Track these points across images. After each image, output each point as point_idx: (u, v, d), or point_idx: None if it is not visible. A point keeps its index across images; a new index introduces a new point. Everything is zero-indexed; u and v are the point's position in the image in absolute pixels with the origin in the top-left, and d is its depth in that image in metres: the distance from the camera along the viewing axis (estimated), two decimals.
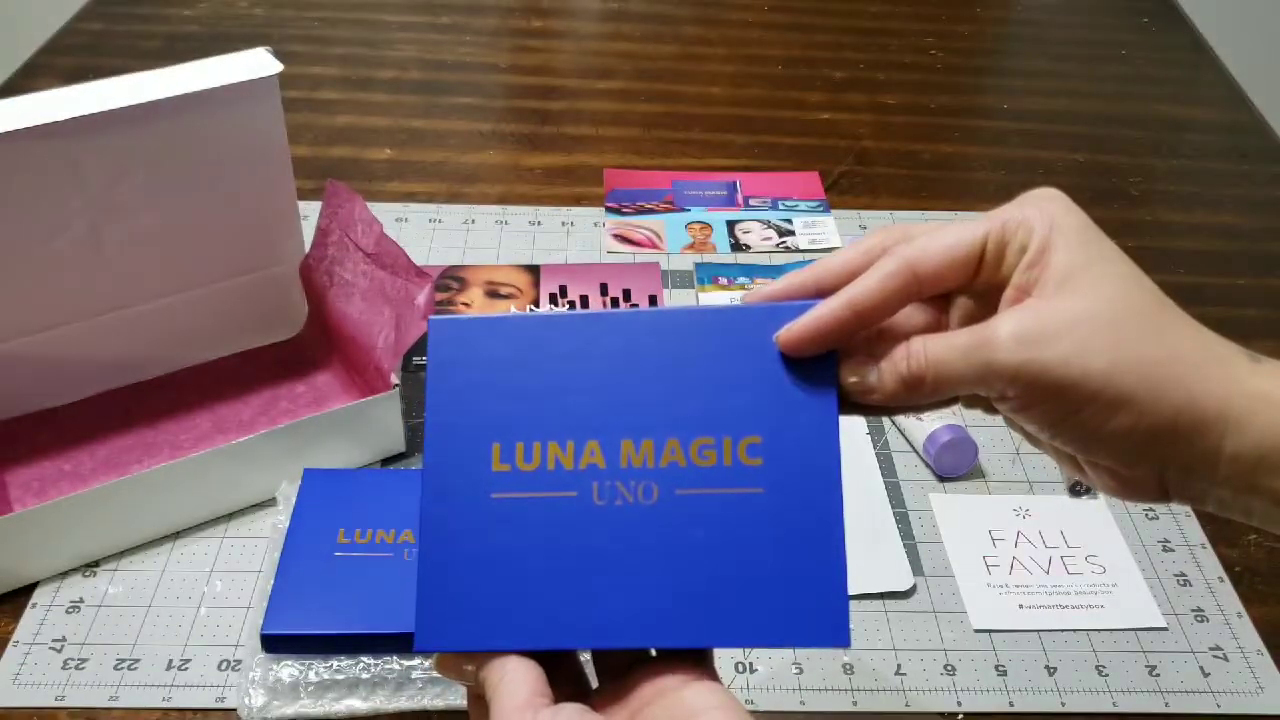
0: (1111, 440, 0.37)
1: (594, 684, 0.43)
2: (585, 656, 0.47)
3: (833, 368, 0.40)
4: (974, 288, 0.40)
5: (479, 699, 0.40)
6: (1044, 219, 0.38)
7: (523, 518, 0.40)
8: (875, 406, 0.41)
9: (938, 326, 0.41)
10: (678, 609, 0.39)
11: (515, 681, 0.38)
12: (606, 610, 0.39)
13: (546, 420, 0.41)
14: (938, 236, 0.39)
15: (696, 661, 0.40)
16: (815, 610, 0.39)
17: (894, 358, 0.39)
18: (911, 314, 0.41)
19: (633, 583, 0.39)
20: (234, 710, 0.58)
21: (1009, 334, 0.37)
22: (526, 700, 0.38)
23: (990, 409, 0.41)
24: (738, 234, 0.95)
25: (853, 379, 0.40)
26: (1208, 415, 0.36)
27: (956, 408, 0.72)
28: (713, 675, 0.40)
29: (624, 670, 0.41)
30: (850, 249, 0.41)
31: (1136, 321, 0.37)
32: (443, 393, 0.41)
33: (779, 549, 0.39)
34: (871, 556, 0.66)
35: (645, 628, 0.39)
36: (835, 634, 0.39)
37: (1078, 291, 0.37)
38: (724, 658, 0.61)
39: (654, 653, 0.41)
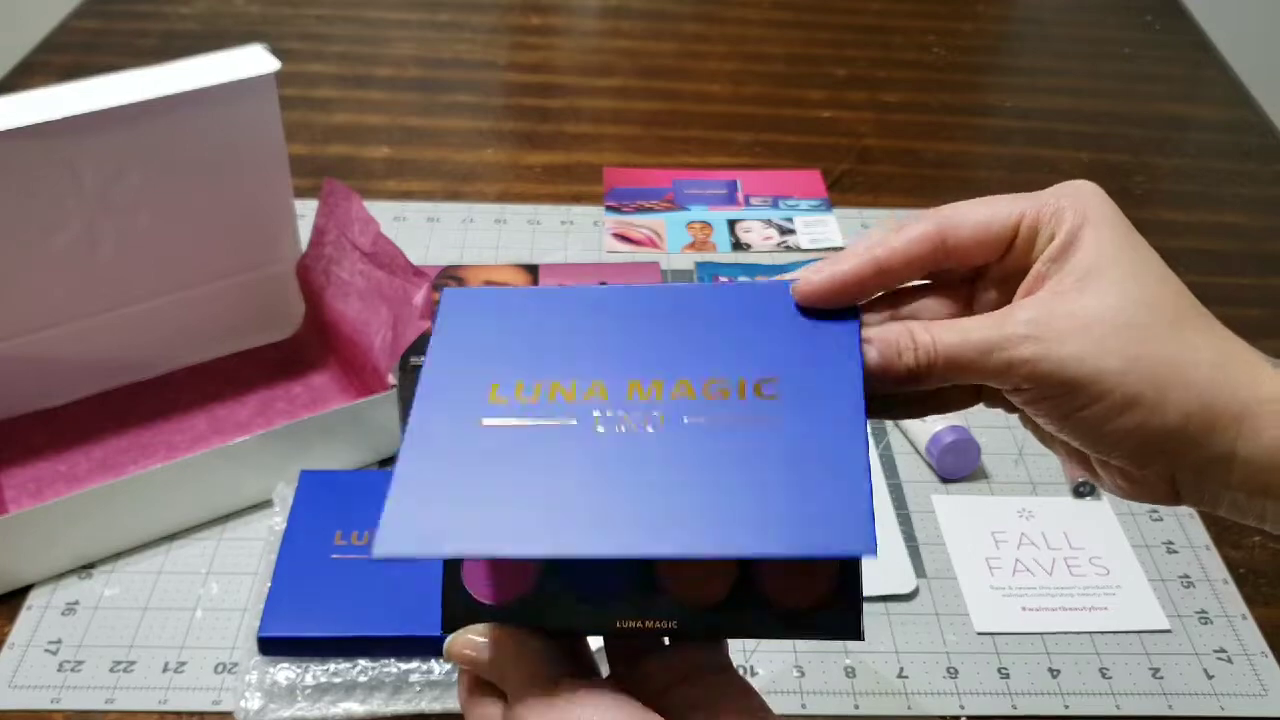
0: (1121, 437, 0.37)
1: (604, 673, 0.42)
2: (596, 645, 0.47)
3: (856, 330, 0.39)
4: (1000, 269, 0.40)
5: (482, 685, 0.39)
6: (1077, 212, 0.38)
7: (516, 441, 0.37)
8: (891, 405, 0.41)
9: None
10: (685, 521, 0.35)
11: (535, 657, 0.38)
12: (605, 523, 0.35)
13: (551, 364, 0.39)
14: (973, 210, 0.39)
15: (711, 650, 0.40)
16: (837, 516, 0.35)
17: (898, 338, 0.38)
18: (936, 308, 0.41)
19: (636, 497, 0.35)
20: (230, 713, 0.57)
21: (1024, 324, 0.37)
22: (549, 674, 0.37)
23: (1005, 405, 0.41)
24: (738, 233, 0.94)
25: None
26: (1222, 418, 0.36)
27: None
28: (729, 663, 0.40)
29: (635, 659, 0.40)
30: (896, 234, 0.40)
31: (1154, 322, 0.36)
32: (444, 346, 0.39)
33: (796, 459, 0.36)
34: (873, 559, 0.65)
35: (648, 537, 0.35)
36: (859, 539, 0.35)
37: (1098, 288, 0.36)
38: None
39: (666, 641, 0.40)
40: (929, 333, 0.38)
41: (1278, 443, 0.35)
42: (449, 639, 0.40)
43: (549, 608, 0.40)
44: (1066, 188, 0.39)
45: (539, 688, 0.37)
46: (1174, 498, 0.39)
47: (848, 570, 0.40)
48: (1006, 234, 0.39)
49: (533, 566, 0.41)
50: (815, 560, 0.39)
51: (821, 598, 0.40)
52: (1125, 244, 0.37)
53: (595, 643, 0.43)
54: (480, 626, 0.39)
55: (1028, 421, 0.41)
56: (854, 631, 0.39)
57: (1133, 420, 0.36)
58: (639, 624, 0.40)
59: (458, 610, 0.41)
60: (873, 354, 0.39)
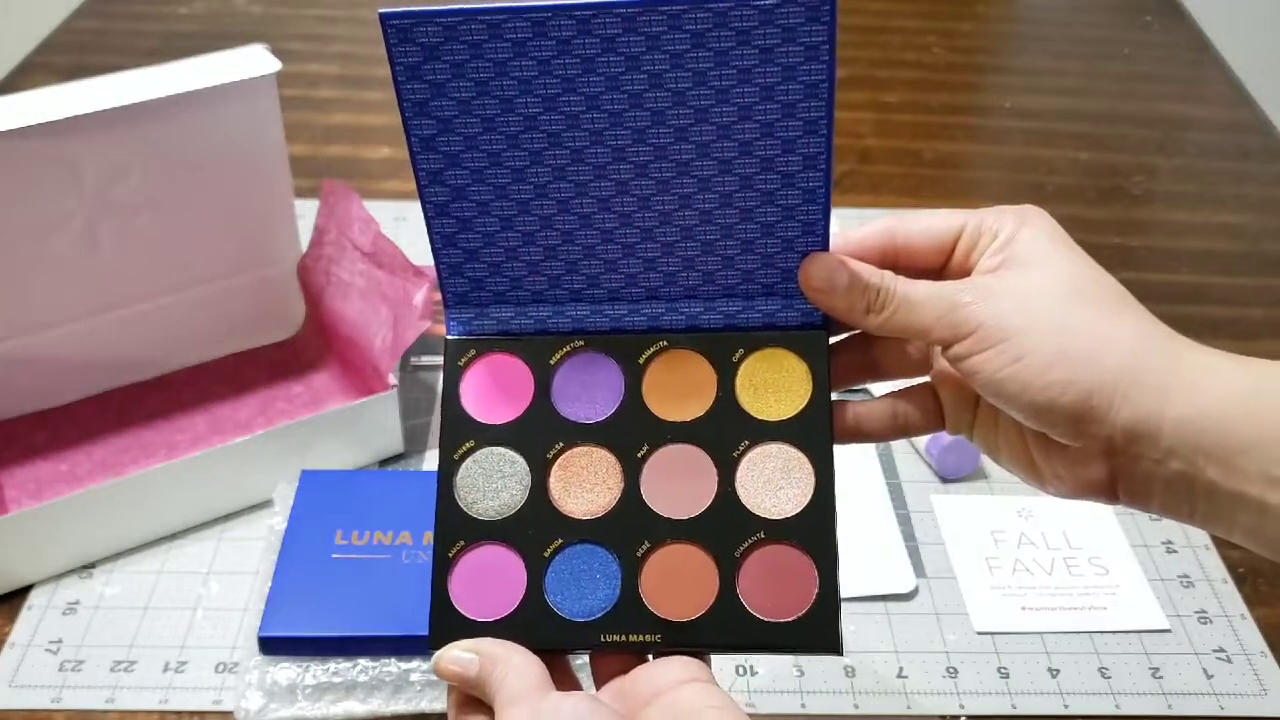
0: (1056, 393, 0.38)
1: (588, 688, 0.42)
2: (580, 662, 0.47)
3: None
4: (944, 274, 0.43)
5: (470, 700, 0.40)
6: (1018, 218, 0.42)
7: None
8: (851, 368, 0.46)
9: (925, 353, 0.46)
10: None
11: (521, 671, 0.39)
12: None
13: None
14: (923, 216, 0.44)
15: (694, 664, 0.40)
16: None
17: (870, 271, 0.41)
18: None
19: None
20: (231, 713, 0.57)
21: (967, 285, 0.41)
22: (536, 686, 0.38)
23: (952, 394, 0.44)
24: None
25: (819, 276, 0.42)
26: (1149, 384, 0.38)
27: None
28: (709, 677, 0.40)
29: (620, 674, 0.41)
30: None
31: (1085, 300, 0.39)
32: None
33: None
34: (873, 558, 0.65)
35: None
36: None
37: (1034, 274, 0.40)
38: (725, 661, 0.61)
39: (651, 657, 0.41)
40: (893, 278, 0.42)
41: (1206, 407, 0.37)
42: (436, 654, 0.40)
43: (535, 623, 0.41)
44: (1012, 207, 0.42)
45: (524, 703, 0.37)
46: (1111, 488, 0.40)
47: (827, 585, 0.41)
48: (949, 237, 0.43)
49: (521, 584, 0.41)
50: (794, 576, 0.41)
51: (801, 612, 0.41)
52: (1061, 245, 0.41)
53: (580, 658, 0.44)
54: (466, 642, 0.40)
55: (982, 426, 0.44)
56: (833, 645, 0.40)
57: (1064, 373, 0.38)
58: (623, 638, 0.41)
59: (445, 626, 0.41)
60: (844, 276, 0.41)
